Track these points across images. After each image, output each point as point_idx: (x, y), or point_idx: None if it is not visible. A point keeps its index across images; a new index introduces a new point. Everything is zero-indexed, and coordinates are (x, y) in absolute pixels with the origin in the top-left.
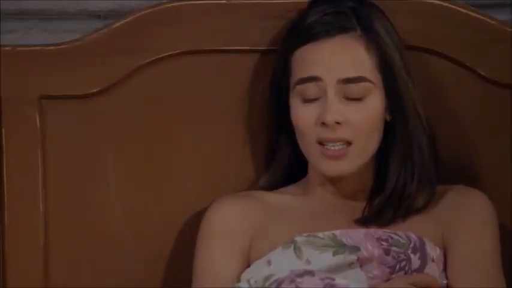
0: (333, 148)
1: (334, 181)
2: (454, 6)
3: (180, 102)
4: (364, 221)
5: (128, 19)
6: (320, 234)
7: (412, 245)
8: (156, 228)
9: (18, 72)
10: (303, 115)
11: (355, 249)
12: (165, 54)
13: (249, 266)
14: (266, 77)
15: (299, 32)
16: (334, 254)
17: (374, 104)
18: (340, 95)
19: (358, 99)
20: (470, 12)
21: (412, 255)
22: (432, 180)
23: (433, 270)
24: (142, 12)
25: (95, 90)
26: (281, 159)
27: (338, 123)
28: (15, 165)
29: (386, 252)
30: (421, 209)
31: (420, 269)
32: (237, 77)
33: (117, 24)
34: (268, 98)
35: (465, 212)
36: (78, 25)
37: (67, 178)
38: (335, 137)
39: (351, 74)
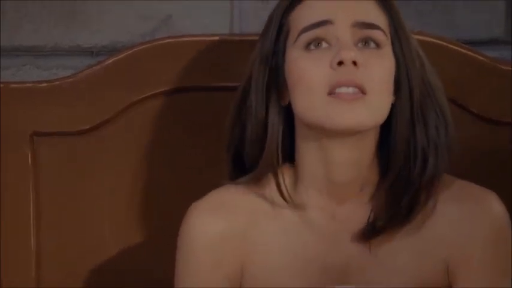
0: (346, 91)
1: (335, 165)
2: (444, 43)
3: (173, 138)
4: (368, 235)
5: (121, 55)
6: None
7: None
8: (151, 262)
9: (10, 109)
10: (311, 63)
11: None
12: (158, 90)
13: None
14: None
15: None
16: None
17: (389, 58)
18: (354, 41)
19: (373, 50)
20: (460, 49)
21: None
22: (439, 167)
23: None
24: (135, 49)
25: (87, 127)
26: (274, 137)
27: (355, 63)
28: (7, 202)
29: None
30: (421, 211)
31: None
32: None
33: (110, 60)
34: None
35: (474, 230)
36: (71, 61)
37: (59, 215)
38: (350, 79)
39: (367, 19)
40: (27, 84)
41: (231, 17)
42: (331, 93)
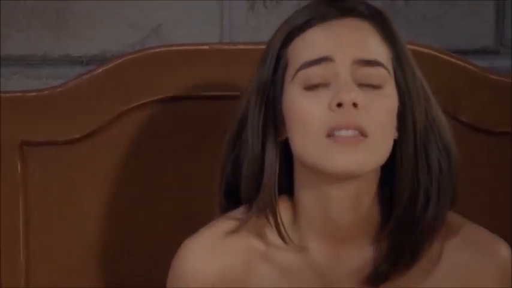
0: (345, 135)
1: (335, 208)
2: (434, 53)
3: (163, 148)
4: (374, 281)
5: (111, 65)
6: None
7: None
8: (141, 271)
9: (0, 118)
10: (309, 103)
11: None
12: (148, 100)
13: None
14: None
15: (297, 20)
16: None
17: (392, 96)
18: (354, 81)
19: (376, 87)
20: (451, 59)
21: None
22: (442, 206)
23: None
24: (125, 58)
25: (77, 136)
26: (271, 176)
27: (355, 105)
28: None
29: None
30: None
31: None
32: (220, 123)
33: (100, 69)
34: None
35: (482, 279)
36: (61, 71)
37: (49, 225)
38: (350, 121)
39: (368, 56)
40: (17, 94)
41: (220, 26)
42: (330, 135)
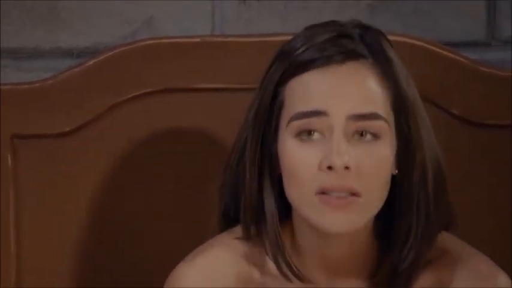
0: (337, 195)
1: (331, 243)
2: (425, 45)
3: (155, 140)
4: None
5: (102, 57)
6: None
7: None
8: (133, 265)
9: None
10: (300, 158)
11: None
12: (140, 92)
13: None
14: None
15: (295, 58)
16: None
17: (388, 149)
18: (348, 134)
19: (370, 142)
20: (442, 51)
21: None
22: (425, 245)
23: None
24: (117, 50)
25: (68, 129)
26: (273, 218)
27: (347, 168)
28: None
29: None
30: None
31: None
32: (212, 116)
33: (91, 62)
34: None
35: None
36: (53, 64)
37: (40, 218)
38: (341, 184)
39: (364, 109)
40: (7, 86)
41: (212, 19)
42: (321, 193)
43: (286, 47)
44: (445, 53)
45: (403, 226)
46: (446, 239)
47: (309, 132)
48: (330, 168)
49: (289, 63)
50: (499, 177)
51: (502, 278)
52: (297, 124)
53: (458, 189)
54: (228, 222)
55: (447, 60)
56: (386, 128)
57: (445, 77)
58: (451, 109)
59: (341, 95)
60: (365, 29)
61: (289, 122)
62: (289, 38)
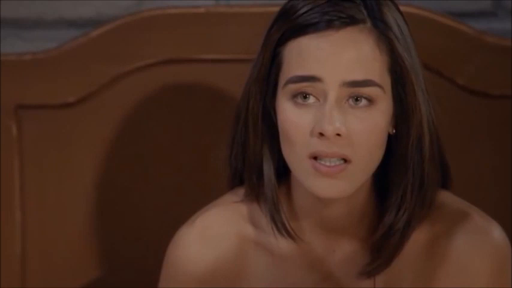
0: (328, 164)
1: (328, 204)
2: (431, 15)
3: (158, 111)
4: (372, 272)
5: (106, 28)
6: None
7: None
8: (135, 236)
9: None
10: (294, 122)
11: None
12: (144, 63)
13: None
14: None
15: (295, 20)
16: None
17: (381, 115)
18: (342, 100)
19: (363, 107)
20: (447, 21)
21: None
22: (420, 204)
23: None
24: (121, 21)
25: (72, 100)
26: (271, 183)
27: (338, 135)
28: None
29: None
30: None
31: None
32: (216, 86)
33: (95, 32)
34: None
35: (477, 263)
36: (55, 34)
37: (44, 188)
38: (332, 151)
39: (358, 76)
40: (11, 57)
41: None
42: (313, 157)
43: (288, 5)
44: (451, 23)
45: (398, 187)
46: (442, 194)
47: (304, 96)
48: (321, 134)
49: (289, 24)
50: (502, 146)
51: (497, 230)
52: (293, 87)
53: (461, 157)
54: (236, 185)
55: (452, 30)
56: (381, 93)
57: (450, 47)
58: (456, 79)
59: (336, 62)
60: None
61: (285, 84)
62: None
